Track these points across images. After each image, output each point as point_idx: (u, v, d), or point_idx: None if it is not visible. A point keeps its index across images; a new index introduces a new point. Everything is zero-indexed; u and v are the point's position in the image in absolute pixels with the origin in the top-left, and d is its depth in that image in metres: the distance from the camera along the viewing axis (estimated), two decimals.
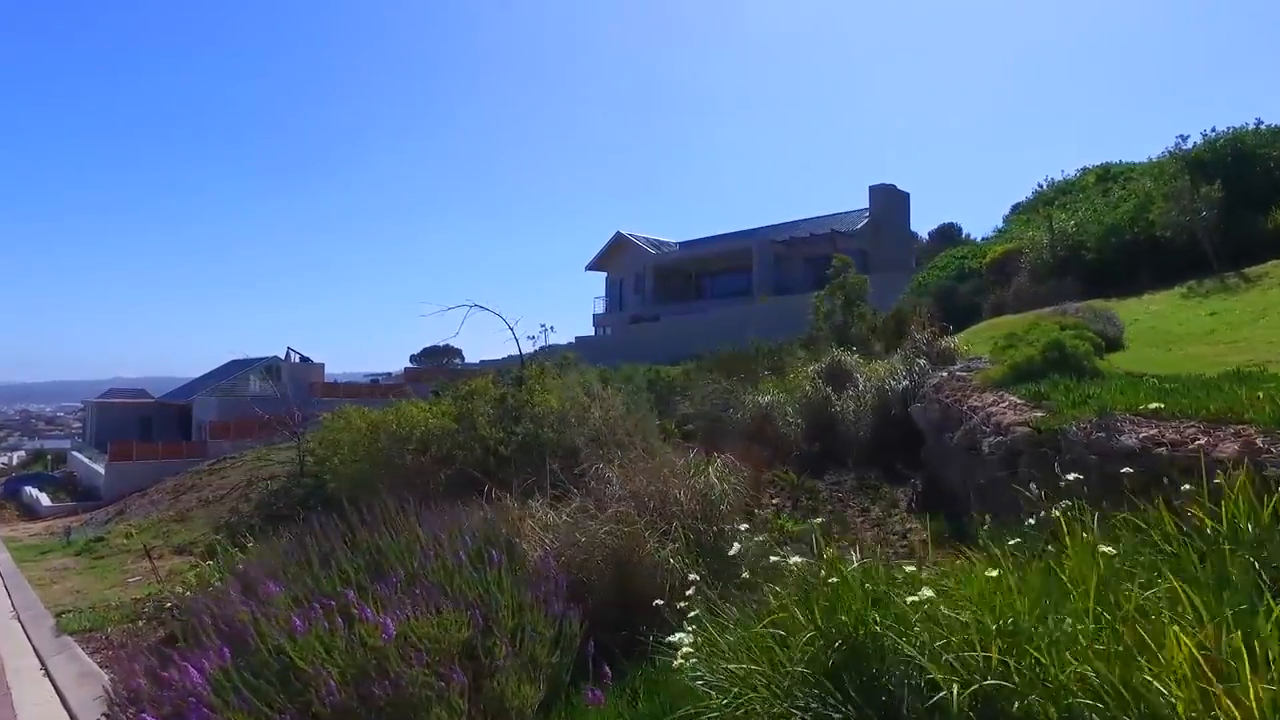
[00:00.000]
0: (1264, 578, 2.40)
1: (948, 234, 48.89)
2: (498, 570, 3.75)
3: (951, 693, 2.10)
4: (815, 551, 3.28)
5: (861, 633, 2.71)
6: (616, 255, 44.08)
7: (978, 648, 2.25)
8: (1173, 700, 1.84)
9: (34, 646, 8.86)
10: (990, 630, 2.34)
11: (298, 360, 44.02)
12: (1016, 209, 24.19)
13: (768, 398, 9.43)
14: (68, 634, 8.92)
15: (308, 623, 3.27)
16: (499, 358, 36.05)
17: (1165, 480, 3.27)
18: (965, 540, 4.65)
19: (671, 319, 35.31)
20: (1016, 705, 2.09)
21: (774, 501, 6.85)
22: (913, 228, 38.65)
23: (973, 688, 2.09)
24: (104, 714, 4.16)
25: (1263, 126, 15.11)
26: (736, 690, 2.67)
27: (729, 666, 2.73)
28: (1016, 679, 2.13)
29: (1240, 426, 4.07)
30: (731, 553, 3.64)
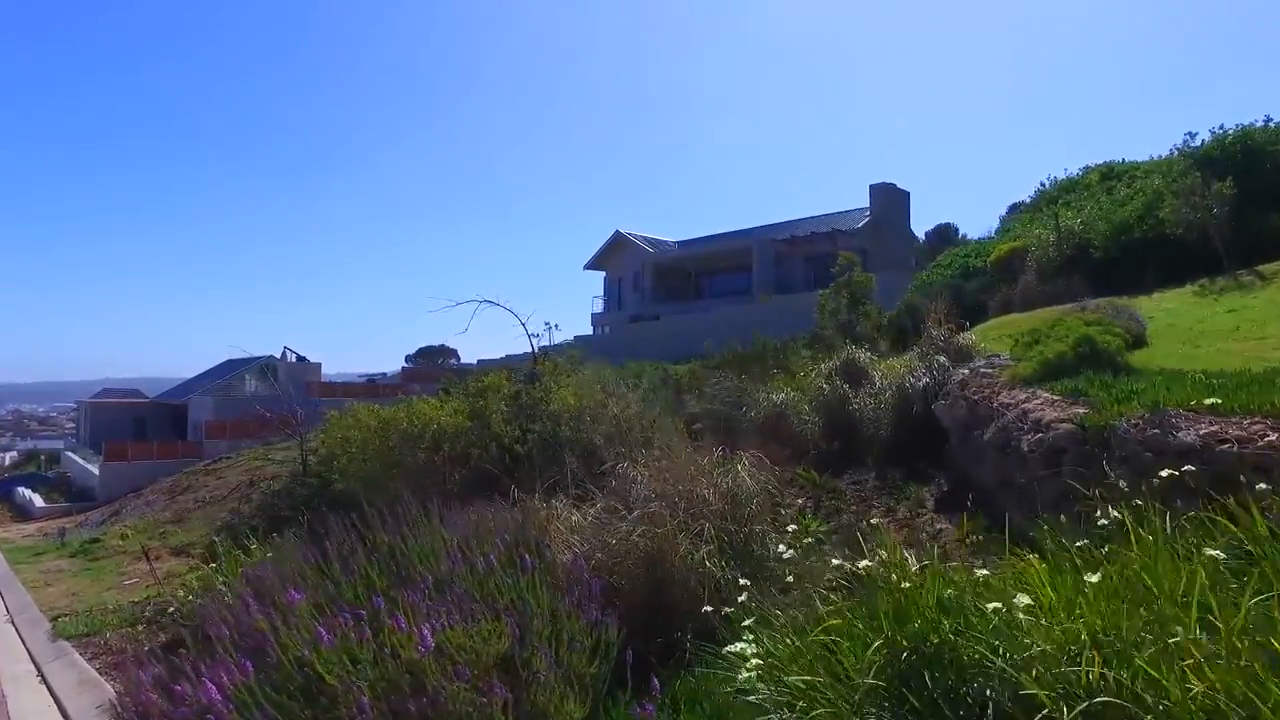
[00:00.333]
0: None
1: (944, 234, 48.89)
2: (531, 575, 3.56)
3: (1062, 713, 1.91)
4: (860, 553, 3.10)
5: (935, 641, 2.53)
6: (615, 254, 43.89)
7: (1075, 660, 2.06)
8: None
9: (29, 652, 8.62)
10: (1084, 640, 2.16)
11: (294, 360, 43.68)
12: (1014, 209, 24.11)
13: (781, 395, 9.27)
14: (64, 639, 8.69)
15: (334, 633, 3.06)
16: (497, 357, 35.84)
17: (1239, 479, 3.09)
18: (995, 539, 4.47)
19: (671, 318, 35.14)
20: None
21: (799, 501, 6.68)
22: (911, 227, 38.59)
23: (1081, 706, 1.90)
24: None
25: (1272, 123, 15.02)
26: (802, 705, 2.49)
27: (791, 679, 2.54)
28: (1125, 696, 1.95)
29: None
30: (787, 555, 3.45)
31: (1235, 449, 3.73)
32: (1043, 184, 23.32)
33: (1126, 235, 14.83)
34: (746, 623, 2.85)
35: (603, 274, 45.57)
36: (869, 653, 2.55)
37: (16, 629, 9.80)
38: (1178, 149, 16.45)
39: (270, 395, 27.75)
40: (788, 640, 2.75)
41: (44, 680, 7.44)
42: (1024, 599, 2.24)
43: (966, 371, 7.46)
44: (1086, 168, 22.02)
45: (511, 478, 5.88)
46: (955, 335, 9.36)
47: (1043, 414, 5.03)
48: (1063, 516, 3.58)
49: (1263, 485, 2.98)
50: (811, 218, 37.89)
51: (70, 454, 43.50)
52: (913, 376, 8.23)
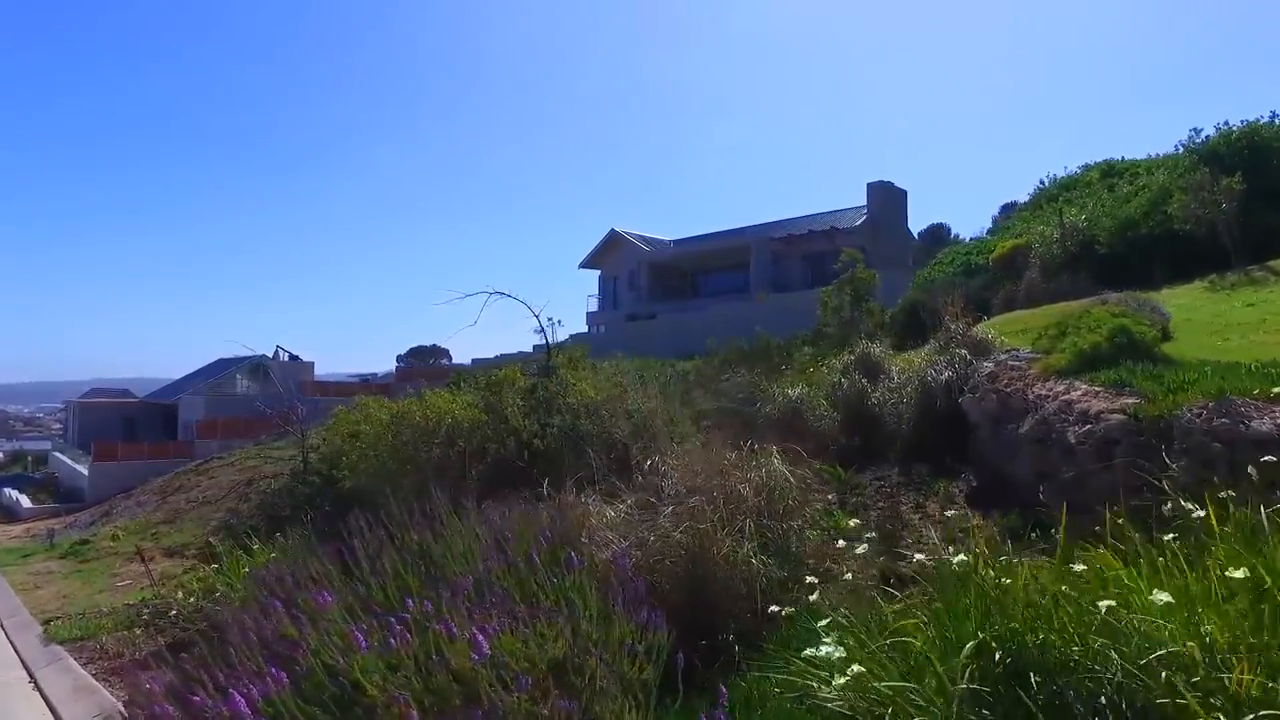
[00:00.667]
0: None
1: (937, 234, 49.01)
2: (577, 574, 3.33)
3: None
4: (898, 549, 2.90)
5: (1034, 642, 2.32)
6: (610, 253, 43.64)
7: (1221, 665, 1.86)
8: None
9: (20, 657, 8.30)
10: (1221, 645, 1.96)
11: (287, 359, 43.23)
12: (1007, 209, 24.09)
13: (797, 390, 9.09)
14: (57, 643, 8.36)
15: (371, 640, 2.82)
16: (490, 356, 35.53)
17: None
18: (1019, 534, 4.28)
19: (668, 317, 34.95)
20: None
21: (829, 497, 6.47)
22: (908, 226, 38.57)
23: (1248, 718, 1.70)
24: None
25: (1278, 120, 14.99)
26: (890, 711, 2.28)
27: (880, 685, 2.33)
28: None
29: None
30: (860, 551, 3.24)
31: None
32: (1042, 182, 23.30)
33: (1133, 231, 14.75)
34: (822, 623, 2.64)
35: (598, 273, 45.31)
36: (961, 656, 2.34)
37: (6, 633, 9.45)
38: (1183, 145, 16.41)
39: (264, 394, 27.37)
40: (867, 642, 2.54)
41: (37, 687, 7.13)
42: (1162, 596, 2.03)
43: (992, 364, 7.29)
44: (1086, 165, 22.01)
45: (532, 472, 5.65)
46: (972, 329, 9.21)
47: (1089, 405, 4.86)
48: (1115, 509, 3.39)
49: None
50: (809, 216, 37.77)
51: (58, 454, 42.88)
52: (934, 370, 8.05)
